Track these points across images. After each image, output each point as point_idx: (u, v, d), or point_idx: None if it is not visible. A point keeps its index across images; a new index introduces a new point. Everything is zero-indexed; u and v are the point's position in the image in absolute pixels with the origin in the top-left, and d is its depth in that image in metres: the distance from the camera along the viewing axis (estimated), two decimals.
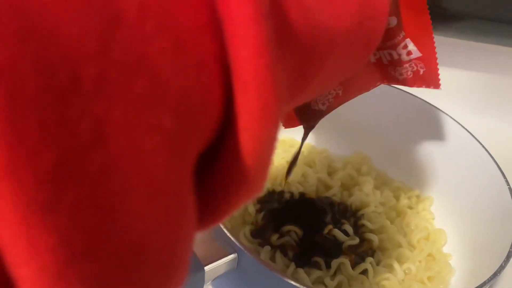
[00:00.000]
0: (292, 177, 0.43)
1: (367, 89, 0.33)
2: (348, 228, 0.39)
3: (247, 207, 0.40)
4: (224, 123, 0.13)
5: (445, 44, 0.50)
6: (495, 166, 0.37)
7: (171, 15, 0.10)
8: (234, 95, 0.12)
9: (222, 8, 0.11)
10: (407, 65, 0.30)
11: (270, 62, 0.12)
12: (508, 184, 0.36)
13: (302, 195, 0.41)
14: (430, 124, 0.44)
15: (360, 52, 0.21)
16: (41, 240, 0.08)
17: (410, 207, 0.44)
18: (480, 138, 0.41)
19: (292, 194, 0.41)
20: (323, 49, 0.18)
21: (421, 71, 0.30)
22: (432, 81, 0.30)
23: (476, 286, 0.30)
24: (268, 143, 0.13)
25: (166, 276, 0.11)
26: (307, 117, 0.32)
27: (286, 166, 0.42)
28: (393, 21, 0.28)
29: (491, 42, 0.52)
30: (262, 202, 0.41)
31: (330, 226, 0.38)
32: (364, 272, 0.37)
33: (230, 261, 0.29)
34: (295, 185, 0.42)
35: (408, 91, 0.45)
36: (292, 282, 0.26)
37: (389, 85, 0.32)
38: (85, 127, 0.08)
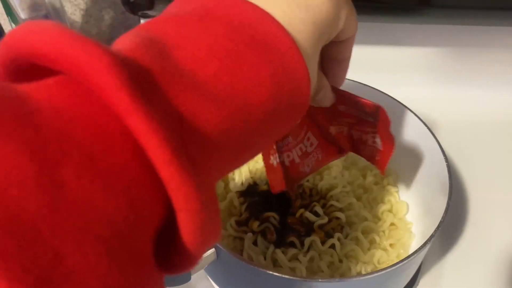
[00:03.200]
0: None
1: (339, 156, 0.42)
2: (319, 209, 0.45)
3: (232, 201, 0.47)
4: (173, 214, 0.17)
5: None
6: (436, 144, 0.43)
7: (100, 163, 0.15)
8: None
9: (142, 146, 0.16)
10: (370, 148, 0.39)
11: (195, 189, 0.16)
12: (447, 161, 0.42)
13: None
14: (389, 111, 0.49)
15: (290, 112, 0.23)
16: None
17: (376, 183, 0.51)
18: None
19: (269, 186, 0.48)
20: (247, 127, 0.20)
21: (376, 158, 0.39)
22: (380, 166, 0.39)
23: (425, 241, 0.37)
24: (203, 248, 0.18)
25: None
26: (292, 180, 0.39)
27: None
28: (371, 119, 0.35)
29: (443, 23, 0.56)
30: (245, 195, 0.47)
31: (302, 210, 0.45)
32: (333, 246, 0.43)
33: (210, 254, 0.36)
34: None
35: (368, 84, 0.50)
36: (251, 265, 0.33)
37: (352, 153, 0.41)
38: (48, 256, 0.13)
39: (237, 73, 0.20)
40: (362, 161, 0.53)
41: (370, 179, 0.50)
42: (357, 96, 0.33)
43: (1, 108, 0.15)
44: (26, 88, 0.16)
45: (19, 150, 0.14)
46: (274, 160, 0.37)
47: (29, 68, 0.18)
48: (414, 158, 0.49)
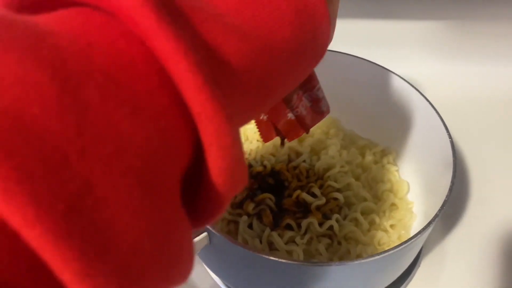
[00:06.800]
0: (264, 149, 0.48)
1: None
2: (316, 190, 0.44)
3: None
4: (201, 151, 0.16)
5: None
6: (439, 120, 0.41)
7: (126, 88, 0.14)
8: (202, 141, 0.15)
9: (170, 71, 0.14)
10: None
11: (227, 122, 0.15)
12: (450, 137, 0.40)
13: (272, 167, 0.45)
14: (386, 86, 0.47)
15: (312, 53, 0.23)
16: (67, 254, 0.12)
17: (376, 162, 0.49)
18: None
19: (264, 167, 0.46)
20: (271, 65, 0.19)
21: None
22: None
23: (427, 222, 0.35)
24: (232, 191, 0.16)
25: (168, 267, 0.15)
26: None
27: (259, 144, 0.47)
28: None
29: None
30: None
31: (298, 191, 0.43)
32: (331, 228, 0.42)
33: (203, 239, 0.34)
34: (268, 157, 0.47)
35: (369, 59, 0.47)
36: (245, 249, 0.31)
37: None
38: (77, 183, 0.12)
39: (258, 7, 0.19)
40: (361, 140, 0.51)
41: (369, 158, 0.48)
42: None
43: (12, 26, 0.13)
44: (35, 17, 0.15)
45: (37, 67, 0.12)
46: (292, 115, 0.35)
47: (37, 8, 0.16)
48: (414, 136, 0.47)
